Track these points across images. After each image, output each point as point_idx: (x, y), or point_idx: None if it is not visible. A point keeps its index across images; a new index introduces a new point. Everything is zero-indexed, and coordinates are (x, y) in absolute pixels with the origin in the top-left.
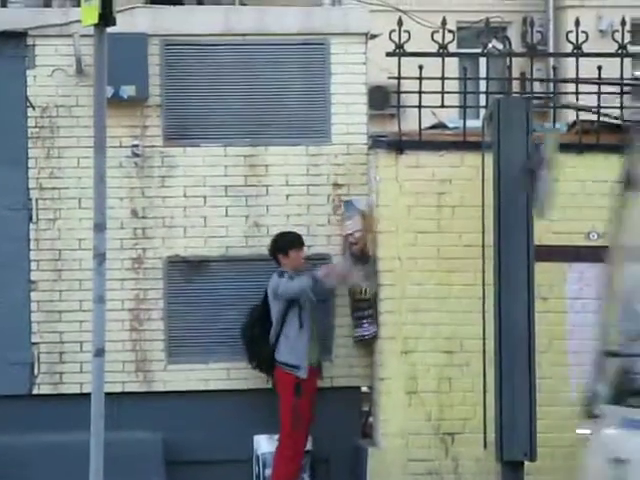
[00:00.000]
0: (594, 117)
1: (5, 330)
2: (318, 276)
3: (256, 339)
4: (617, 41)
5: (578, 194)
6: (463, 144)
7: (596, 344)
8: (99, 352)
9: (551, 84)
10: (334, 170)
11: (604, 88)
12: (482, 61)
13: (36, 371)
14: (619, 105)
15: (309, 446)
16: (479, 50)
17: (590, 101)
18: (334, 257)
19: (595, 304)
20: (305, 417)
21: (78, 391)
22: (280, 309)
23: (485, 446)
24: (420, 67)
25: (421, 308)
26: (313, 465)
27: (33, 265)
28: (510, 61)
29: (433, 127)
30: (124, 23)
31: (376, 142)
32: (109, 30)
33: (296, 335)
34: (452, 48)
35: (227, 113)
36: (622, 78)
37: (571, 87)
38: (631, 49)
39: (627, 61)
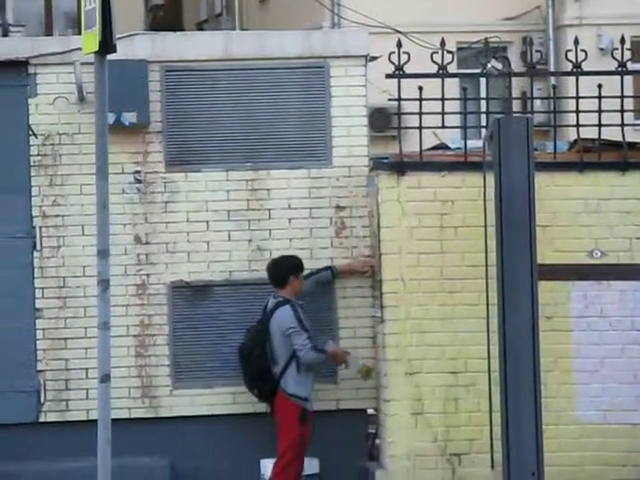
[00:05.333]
0: (595, 135)
1: (11, 358)
2: (328, 351)
3: (256, 362)
4: (617, 59)
5: (580, 212)
6: (464, 164)
7: None
8: (105, 378)
9: (551, 105)
10: (336, 193)
11: (605, 106)
12: (482, 81)
13: (42, 399)
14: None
15: (316, 469)
16: (479, 70)
17: (590, 119)
18: (336, 281)
19: (600, 322)
20: (307, 443)
21: (84, 418)
22: (291, 344)
23: (492, 466)
24: (420, 88)
25: (425, 329)
26: None
27: (38, 293)
28: (510, 81)
29: (435, 148)
30: (124, 50)
31: (377, 164)
32: (110, 57)
33: (307, 368)
34: (452, 69)
35: (228, 138)
36: (622, 96)
37: (572, 106)
38: (631, 67)
39: (627, 79)
